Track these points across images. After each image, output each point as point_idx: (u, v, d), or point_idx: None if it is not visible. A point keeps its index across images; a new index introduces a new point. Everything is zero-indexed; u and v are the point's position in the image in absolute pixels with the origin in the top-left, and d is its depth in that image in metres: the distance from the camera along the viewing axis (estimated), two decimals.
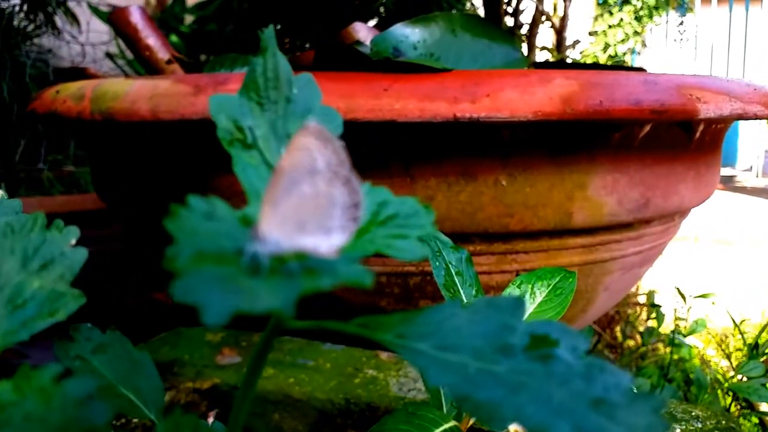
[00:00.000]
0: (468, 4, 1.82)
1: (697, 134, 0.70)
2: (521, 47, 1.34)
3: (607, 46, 3.42)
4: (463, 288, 0.47)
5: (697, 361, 1.44)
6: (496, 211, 0.63)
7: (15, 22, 2.30)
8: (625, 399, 0.11)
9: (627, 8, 3.48)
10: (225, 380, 0.63)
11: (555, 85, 0.56)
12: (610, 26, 3.48)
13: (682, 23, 3.78)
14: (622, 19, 3.51)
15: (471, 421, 0.47)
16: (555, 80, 0.56)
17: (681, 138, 0.69)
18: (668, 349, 1.37)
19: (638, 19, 3.52)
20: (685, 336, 1.41)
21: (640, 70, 0.86)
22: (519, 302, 0.14)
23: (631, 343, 1.43)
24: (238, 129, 0.15)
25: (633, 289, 1.44)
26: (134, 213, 0.75)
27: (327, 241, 0.14)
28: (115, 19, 0.76)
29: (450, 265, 0.47)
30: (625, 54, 3.36)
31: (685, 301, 1.42)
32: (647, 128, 0.64)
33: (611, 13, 3.47)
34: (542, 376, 0.12)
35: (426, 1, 1.40)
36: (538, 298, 0.46)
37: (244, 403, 0.15)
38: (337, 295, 0.70)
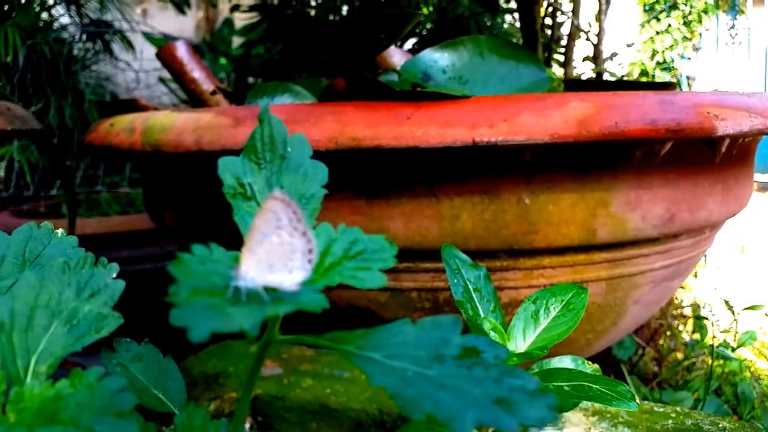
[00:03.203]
0: (508, 19, 1.85)
1: (723, 149, 0.71)
2: (546, 66, 1.36)
3: (654, 53, 3.36)
4: (480, 303, 0.50)
5: (747, 375, 1.41)
6: (521, 229, 0.66)
7: (75, 51, 2.45)
8: (526, 397, 0.14)
9: (675, 13, 3.42)
10: (266, 390, 0.66)
11: (570, 108, 0.58)
12: (657, 32, 3.43)
13: (733, 26, 3.69)
14: (670, 25, 3.45)
15: (491, 430, 0.49)
16: (571, 103, 0.58)
17: (705, 153, 0.70)
18: (716, 363, 1.35)
19: (687, 24, 3.45)
20: (733, 349, 1.39)
21: (668, 86, 0.87)
22: (456, 320, 0.17)
23: (679, 355, 1.42)
24: (240, 185, 0.19)
25: (677, 301, 1.43)
26: (182, 234, 0.80)
27: (290, 277, 0.18)
28: (163, 55, 0.82)
29: (468, 282, 0.50)
30: (673, 60, 3.30)
31: (733, 313, 1.40)
32: (668, 145, 0.65)
33: (658, 19, 3.42)
34: (463, 378, 0.15)
35: (463, 22, 1.43)
36: (552, 313, 0.49)
37: (245, 400, 0.19)
38: (372, 311, 0.73)
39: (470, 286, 0.50)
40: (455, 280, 0.49)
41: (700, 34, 3.48)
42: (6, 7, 2.65)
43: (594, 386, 0.41)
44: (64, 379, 0.17)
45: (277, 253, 0.17)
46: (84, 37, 2.55)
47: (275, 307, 0.15)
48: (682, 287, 1.47)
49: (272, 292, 0.17)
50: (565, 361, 0.51)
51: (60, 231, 0.24)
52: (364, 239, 0.18)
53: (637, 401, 0.41)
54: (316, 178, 0.20)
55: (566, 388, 0.41)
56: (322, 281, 0.18)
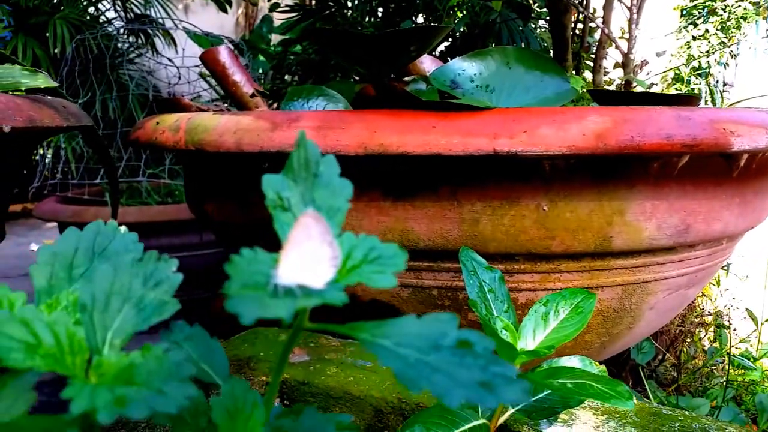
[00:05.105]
0: (540, 24, 1.87)
1: (741, 163, 0.73)
2: (576, 73, 1.37)
3: (690, 59, 3.33)
4: (494, 304, 0.53)
5: None
6: (539, 234, 0.69)
7: (119, 45, 2.53)
8: (505, 382, 0.18)
9: (712, 19, 3.38)
10: (294, 376, 0.70)
11: (589, 121, 0.61)
12: (694, 38, 3.39)
13: None
14: (707, 30, 3.41)
15: (500, 421, 0.53)
16: (589, 117, 0.61)
17: (723, 167, 0.72)
18: (738, 372, 1.36)
19: (725, 29, 3.41)
20: (755, 359, 1.39)
21: (691, 100, 0.89)
22: (453, 317, 0.21)
23: (698, 363, 1.43)
24: (279, 198, 0.23)
25: (698, 309, 1.44)
26: (222, 225, 0.85)
27: (318, 278, 0.22)
28: (206, 58, 0.87)
29: (483, 283, 0.54)
30: (709, 66, 3.26)
31: (755, 323, 1.40)
32: (685, 159, 0.68)
33: (695, 25, 3.38)
34: (455, 365, 0.19)
35: (495, 27, 1.46)
36: (561, 315, 0.52)
37: (276, 378, 0.23)
38: (394, 306, 0.77)
39: (485, 287, 0.54)
40: (471, 281, 0.53)
41: (738, 41, 3.43)
42: (55, 0, 2.75)
43: (595, 385, 0.45)
44: (136, 351, 0.22)
45: (308, 259, 0.21)
46: (128, 31, 2.63)
47: (305, 300, 0.19)
48: (703, 295, 1.47)
49: (303, 288, 0.21)
50: (573, 361, 0.54)
51: (123, 228, 0.29)
52: (381, 246, 0.22)
53: (634, 400, 0.45)
54: (343, 193, 0.24)
55: (569, 385, 0.45)
56: (344, 281, 0.22)
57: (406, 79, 0.87)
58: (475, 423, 0.51)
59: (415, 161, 0.63)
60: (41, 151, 2.17)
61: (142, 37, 2.69)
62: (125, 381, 0.20)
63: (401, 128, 0.61)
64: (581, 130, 0.61)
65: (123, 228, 0.29)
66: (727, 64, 3.44)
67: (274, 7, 2.08)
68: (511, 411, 0.52)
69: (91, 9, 2.84)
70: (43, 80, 0.63)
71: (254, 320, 0.18)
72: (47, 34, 2.50)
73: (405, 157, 0.62)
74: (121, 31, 2.57)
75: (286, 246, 0.22)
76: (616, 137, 0.61)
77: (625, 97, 0.97)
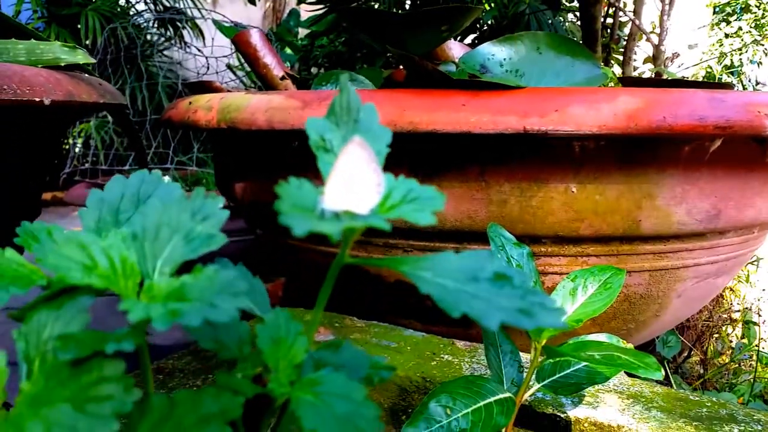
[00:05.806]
0: (569, 17, 1.86)
1: None
2: (605, 65, 1.36)
3: (722, 56, 3.28)
4: None
5: None
6: (567, 216, 0.69)
7: (148, 37, 2.57)
8: (543, 310, 0.19)
9: (746, 16, 3.33)
10: None
11: (620, 101, 0.61)
12: (726, 35, 3.34)
13: None
14: (740, 28, 3.35)
15: (525, 396, 0.53)
16: (620, 97, 0.61)
17: (756, 152, 0.72)
18: (767, 369, 1.34)
19: (759, 27, 3.35)
20: None
21: (724, 86, 0.88)
22: (491, 254, 0.21)
23: (725, 359, 1.41)
24: (322, 140, 0.23)
25: (726, 305, 1.42)
26: (250, 206, 0.86)
27: (362, 204, 0.22)
28: (238, 40, 0.88)
29: (511, 259, 0.54)
30: (741, 64, 3.21)
31: None
32: (718, 142, 0.67)
33: (728, 22, 3.33)
34: (494, 294, 0.19)
35: (523, 19, 1.45)
36: (590, 290, 0.52)
37: (320, 306, 0.24)
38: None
39: (513, 263, 0.54)
40: (499, 256, 0.53)
41: None
42: None
43: (623, 356, 0.45)
44: (187, 274, 0.23)
45: (354, 185, 0.22)
46: (157, 23, 2.67)
47: (351, 221, 0.20)
48: (731, 290, 1.45)
49: (349, 214, 0.22)
50: (600, 337, 0.54)
51: (167, 178, 0.30)
52: (419, 188, 0.23)
53: (662, 373, 0.44)
54: (383, 138, 0.25)
55: (597, 356, 0.45)
56: (386, 215, 0.22)
57: (435, 62, 0.88)
58: (501, 396, 0.51)
59: (443, 140, 0.63)
60: (71, 141, 2.21)
61: (171, 29, 2.73)
62: (177, 298, 0.21)
63: (431, 106, 0.62)
64: (612, 110, 0.60)
65: (167, 178, 0.30)
66: (761, 63, 3.38)
67: (301, 0, 2.09)
68: (536, 386, 0.53)
69: (122, 1, 2.88)
70: (82, 56, 0.64)
71: (306, 233, 0.18)
72: (79, 26, 2.55)
73: (434, 135, 0.62)
74: (151, 23, 2.61)
75: (332, 174, 0.22)
76: (648, 117, 0.60)
77: (657, 84, 0.96)
